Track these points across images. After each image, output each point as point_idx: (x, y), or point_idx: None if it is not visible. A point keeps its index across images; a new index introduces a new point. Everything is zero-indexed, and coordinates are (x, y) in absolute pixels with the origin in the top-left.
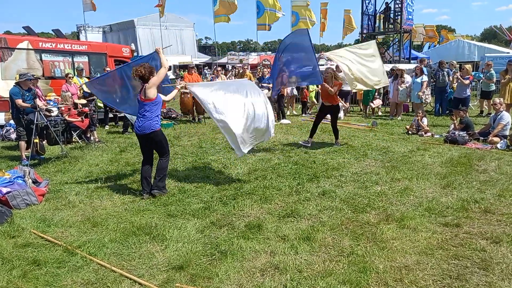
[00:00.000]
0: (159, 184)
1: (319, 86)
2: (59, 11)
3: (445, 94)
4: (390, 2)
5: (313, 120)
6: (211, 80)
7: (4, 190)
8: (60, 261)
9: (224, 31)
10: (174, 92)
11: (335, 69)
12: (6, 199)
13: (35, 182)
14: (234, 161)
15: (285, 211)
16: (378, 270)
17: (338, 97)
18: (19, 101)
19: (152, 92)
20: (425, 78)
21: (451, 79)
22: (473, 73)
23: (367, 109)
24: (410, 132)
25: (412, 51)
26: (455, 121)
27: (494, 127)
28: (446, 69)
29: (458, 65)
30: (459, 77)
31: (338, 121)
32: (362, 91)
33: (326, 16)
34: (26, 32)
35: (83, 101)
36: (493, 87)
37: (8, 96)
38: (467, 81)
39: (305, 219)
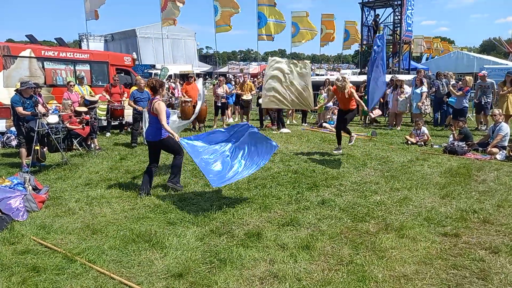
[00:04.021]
0: (174, 180)
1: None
2: (61, 19)
3: (443, 104)
4: (381, 16)
5: (313, 129)
6: (216, 89)
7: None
8: (59, 268)
9: (225, 40)
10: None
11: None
12: None
13: (35, 189)
14: None
15: (285, 220)
16: (377, 280)
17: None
18: (20, 109)
19: (155, 108)
20: (424, 89)
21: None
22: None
23: (367, 119)
24: (409, 142)
25: (412, 62)
26: (454, 132)
27: (493, 138)
28: (445, 80)
29: (453, 76)
30: (451, 88)
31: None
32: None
33: (332, 27)
34: (28, 40)
35: (84, 109)
36: (488, 99)
37: (9, 103)
38: (459, 93)
39: (305, 228)
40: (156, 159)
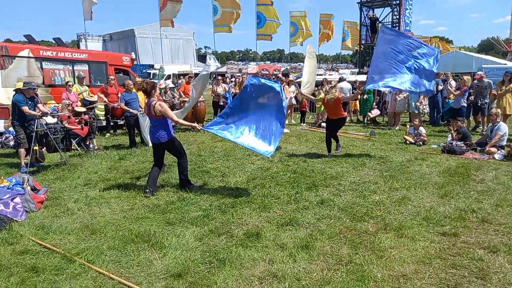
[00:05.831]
0: (188, 185)
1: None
2: (59, 19)
3: (437, 104)
4: (380, 16)
5: (311, 129)
6: (215, 88)
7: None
8: (58, 268)
9: (223, 40)
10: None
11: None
12: None
13: (34, 189)
14: (233, 169)
15: (284, 220)
16: (376, 279)
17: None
18: (26, 108)
19: (159, 110)
20: None
21: (439, 88)
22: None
23: (365, 119)
24: (408, 141)
25: None
26: (453, 131)
27: (491, 138)
28: (437, 79)
29: (450, 76)
30: (448, 87)
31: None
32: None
33: (329, 27)
34: (27, 40)
35: (83, 109)
36: (486, 100)
37: (7, 103)
38: (457, 92)
39: (304, 228)
40: (161, 160)
